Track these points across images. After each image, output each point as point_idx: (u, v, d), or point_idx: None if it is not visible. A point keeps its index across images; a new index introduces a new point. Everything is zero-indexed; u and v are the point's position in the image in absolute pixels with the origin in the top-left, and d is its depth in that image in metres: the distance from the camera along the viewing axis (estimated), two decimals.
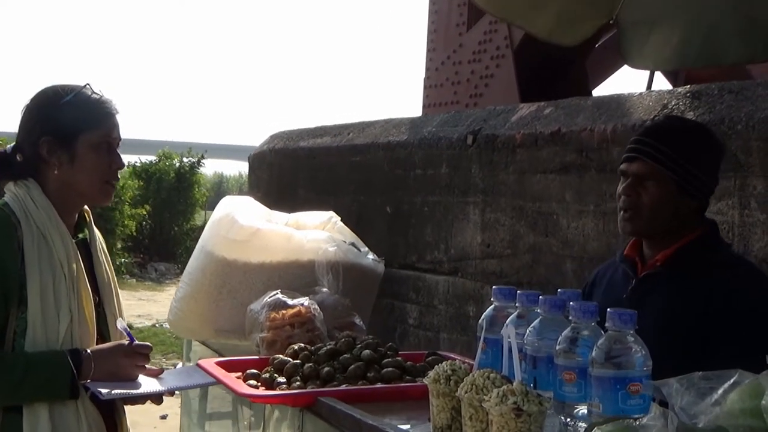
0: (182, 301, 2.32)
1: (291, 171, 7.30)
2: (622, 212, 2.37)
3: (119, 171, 2.32)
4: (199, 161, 22.26)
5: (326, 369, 1.92)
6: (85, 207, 2.40)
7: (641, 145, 2.31)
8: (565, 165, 4.51)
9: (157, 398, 2.30)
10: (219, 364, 2.16)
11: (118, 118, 2.27)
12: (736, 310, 2.14)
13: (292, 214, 2.43)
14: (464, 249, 5.20)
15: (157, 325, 13.73)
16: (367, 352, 2.00)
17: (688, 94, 4.01)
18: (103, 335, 2.32)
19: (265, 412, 2.13)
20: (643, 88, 6.71)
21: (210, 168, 23.64)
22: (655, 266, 2.34)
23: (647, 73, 7.17)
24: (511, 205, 4.85)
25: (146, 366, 2.28)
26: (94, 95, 2.25)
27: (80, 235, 2.34)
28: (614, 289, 2.43)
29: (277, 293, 2.15)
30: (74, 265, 2.20)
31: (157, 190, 22.14)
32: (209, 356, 2.73)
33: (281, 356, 2.04)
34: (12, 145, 2.28)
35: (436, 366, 1.55)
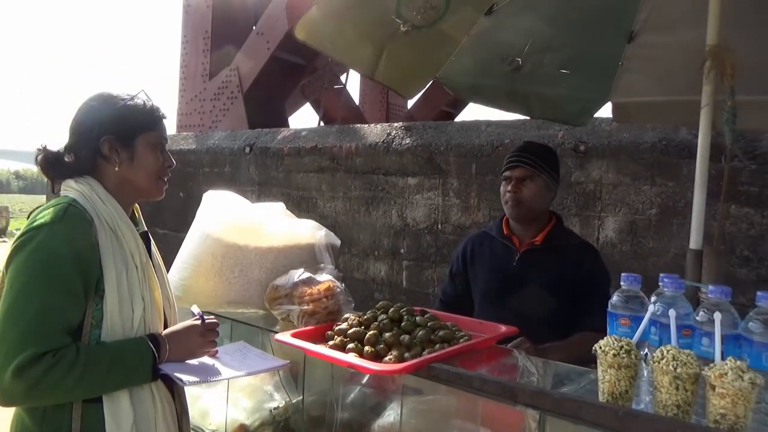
0: (191, 279, 1.89)
1: None
2: (509, 203, 2.16)
3: (170, 169, 1.74)
4: None
5: (407, 336, 1.58)
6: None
7: (520, 157, 2.17)
8: (321, 168, 4.59)
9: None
10: (295, 335, 1.64)
11: (165, 122, 1.76)
12: (594, 274, 2.10)
13: (253, 204, 2.17)
14: None
15: None
16: (419, 318, 1.67)
17: (403, 128, 4.28)
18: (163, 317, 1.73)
19: (333, 368, 1.69)
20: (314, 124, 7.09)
21: None
22: (534, 244, 2.17)
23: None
24: (281, 193, 4.83)
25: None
26: (148, 100, 1.72)
27: (137, 228, 1.72)
28: (499, 259, 2.23)
29: (302, 271, 1.81)
30: (143, 256, 1.65)
31: None
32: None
33: (347, 326, 1.65)
34: (64, 144, 1.65)
35: (602, 341, 1.25)
